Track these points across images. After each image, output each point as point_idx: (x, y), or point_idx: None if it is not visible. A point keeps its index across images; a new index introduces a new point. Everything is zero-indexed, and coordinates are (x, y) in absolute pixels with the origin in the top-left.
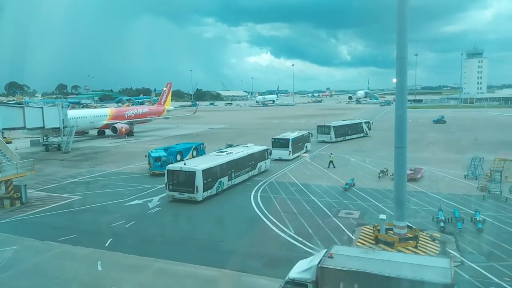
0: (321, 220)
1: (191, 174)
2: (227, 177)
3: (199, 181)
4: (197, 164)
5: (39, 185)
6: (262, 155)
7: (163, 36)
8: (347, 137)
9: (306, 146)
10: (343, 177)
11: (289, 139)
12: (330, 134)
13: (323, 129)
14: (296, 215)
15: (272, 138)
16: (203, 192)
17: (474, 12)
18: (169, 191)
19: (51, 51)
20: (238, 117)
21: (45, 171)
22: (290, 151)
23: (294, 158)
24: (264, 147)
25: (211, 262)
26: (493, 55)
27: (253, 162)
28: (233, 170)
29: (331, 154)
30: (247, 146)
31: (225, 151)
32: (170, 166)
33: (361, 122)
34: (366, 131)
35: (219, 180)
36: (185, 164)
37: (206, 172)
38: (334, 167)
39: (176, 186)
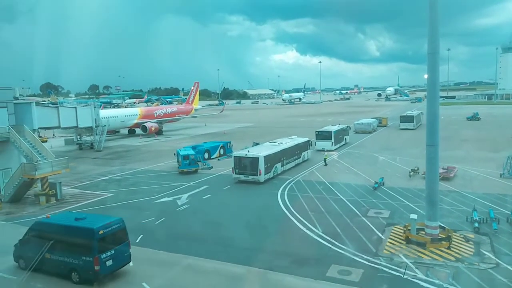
0: (349, 220)
1: (255, 160)
2: (280, 163)
3: (261, 165)
4: (259, 152)
5: (73, 183)
6: (305, 146)
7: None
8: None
9: (345, 139)
10: (372, 176)
11: (331, 131)
12: (413, 122)
13: (405, 118)
14: (324, 214)
15: (316, 131)
16: (264, 175)
17: (510, 3)
18: (235, 174)
19: (84, 53)
20: (265, 116)
21: (78, 169)
22: (332, 142)
23: (336, 149)
24: (306, 139)
25: (238, 260)
26: None
27: (298, 151)
28: (284, 158)
29: (326, 152)
30: (292, 138)
31: (276, 142)
32: (236, 153)
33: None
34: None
35: (275, 165)
36: (249, 152)
37: (267, 158)
38: (326, 165)
39: (241, 170)
